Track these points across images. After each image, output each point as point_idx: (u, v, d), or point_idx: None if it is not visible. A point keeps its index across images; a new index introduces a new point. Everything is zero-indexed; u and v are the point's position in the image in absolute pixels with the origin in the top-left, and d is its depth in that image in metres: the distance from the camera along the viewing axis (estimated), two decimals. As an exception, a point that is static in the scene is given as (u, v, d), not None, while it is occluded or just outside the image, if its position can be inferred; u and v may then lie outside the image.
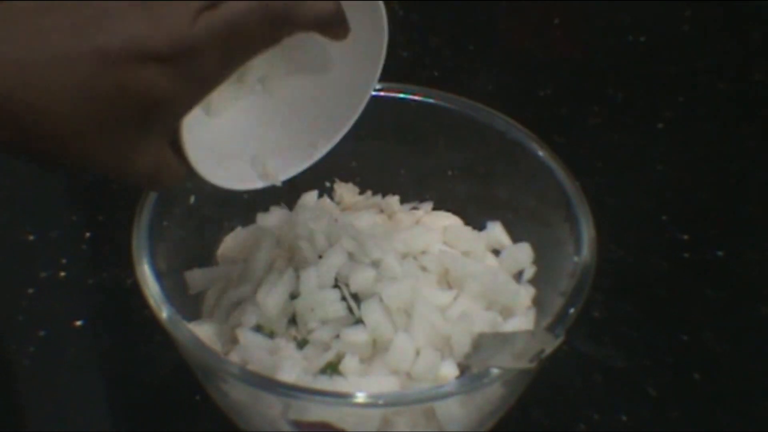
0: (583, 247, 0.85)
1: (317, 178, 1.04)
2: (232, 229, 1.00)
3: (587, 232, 0.86)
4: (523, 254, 0.96)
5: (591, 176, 0.97)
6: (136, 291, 0.80)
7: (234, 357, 0.86)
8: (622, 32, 1.51)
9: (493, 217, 1.01)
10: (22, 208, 1.16)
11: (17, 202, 1.17)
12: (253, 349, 0.85)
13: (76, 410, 0.96)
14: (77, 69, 0.57)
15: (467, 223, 1.03)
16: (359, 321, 0.87)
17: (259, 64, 0.79)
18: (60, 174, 1.21)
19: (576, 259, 0.84)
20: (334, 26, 0.69)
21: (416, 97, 0.98)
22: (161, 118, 0.63)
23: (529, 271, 0.96)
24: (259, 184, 0.81)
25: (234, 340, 0.88)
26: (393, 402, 0.76)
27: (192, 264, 0.93)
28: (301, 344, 0.87)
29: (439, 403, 0.78)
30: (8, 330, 1.04)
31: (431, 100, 0.99)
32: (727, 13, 1.56)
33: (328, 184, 1.05)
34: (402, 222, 1.02)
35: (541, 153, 0.93)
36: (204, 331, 0.88)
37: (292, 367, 0.83)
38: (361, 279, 0.88)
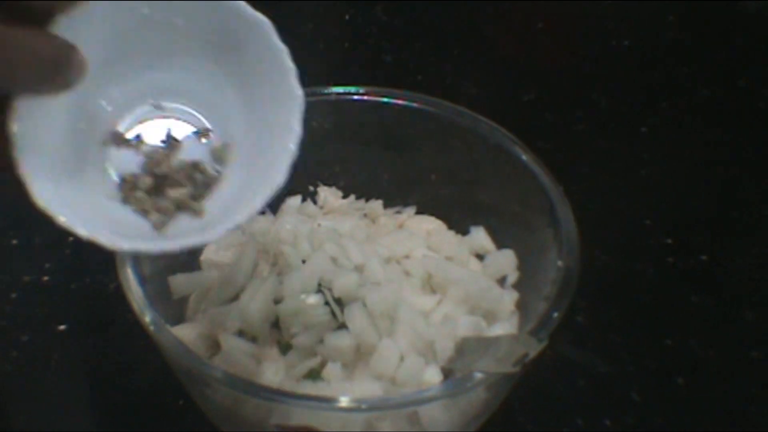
0: (566, 251, 0.85)
1: (301, 182, 1.04)
2: (215, 233, 0.99)
3: (571, 236, 0.86)
4: (506, 261, 0.97)
5: (575, 181, 0.97)
6: (119, 295, 0.80)
7: (217, 361, 0.86)
8: (607, 38, 1.52)
9: (477, 222, 1.01)
10: (5, 213, 1.16)
11: (0, 207, 1.17)
12: (236, 354, 0.85)
13: (60, 415, 0.96)
14: None
15: (450, 227, 1.03)
16: (342, 326, 0.87)
17: None
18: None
19: (560, 263, 0.84)
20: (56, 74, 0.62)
21: (400, 102, 0.98)
22: None
23: (513, 276, 0.96)
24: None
25: (217, 345, 0.88)
26: (376, 406, 0.76)
27: (175, 269, 0.93)
28: (285, 349, 0.87)
29: (423, 407, 0.78)
30: (-9, 335, 1.04)
31: (415, 105, 0.99)
32: (712, 19, 1.57)
33: (311, 189, 1.05)
34: (385, 226, 1.02)
35: (524, 158, 0.93)
36: (187, 336, 0.88)
37: (275, 371, 0.84)
38: (345, 284, 0.88)
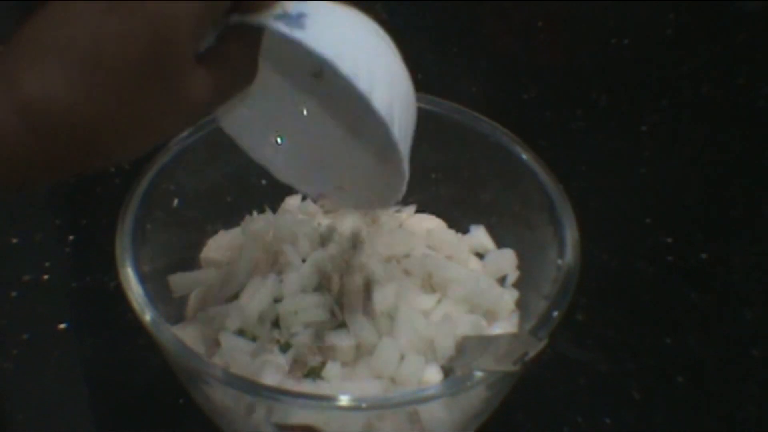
0: (566, 250, 0.85)
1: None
2: (215, 232, 0.99)
3: (571, 235, 0.86)
4: (506, 260, 0.97)
5: (574, 179, 0.97)
6: (119, 294, 0.80)
7: (217, 360, 0.86)
8: (606, 36, 1.51)
9: (477, 220, 1.01)
10: (6, 212, 1.16)
11: (0, 205, 1.17)
12: (235, 353, 0.85)
13: (60, 414, 0.96)
14: None
15: (450, 226, 1.03)
16: (342, 325, 0.87)
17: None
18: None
19: (560, 262, 0.84)
20: None
21: (399, 100, 0.98)
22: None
23: (513, 275, 0.96)
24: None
25: (217, 344, 0.88)
26: (376, 405, 0.76)
27: (175, 267, 0.93)
28: (284, 348, 0.87)
29: (423, 406, 0.78)
30: (-9, 333, 1.04)
31: (415, 104, 0.98)
32: (711, 17, 1.57)
33: (312, 188, 1.05)
34: (385, 225, 1.02)
35: (524, 156, 0.93)
36: (187, 335, 0.88)
37: (275, 370, 0.83)
38: (345, 283, 0.88)
